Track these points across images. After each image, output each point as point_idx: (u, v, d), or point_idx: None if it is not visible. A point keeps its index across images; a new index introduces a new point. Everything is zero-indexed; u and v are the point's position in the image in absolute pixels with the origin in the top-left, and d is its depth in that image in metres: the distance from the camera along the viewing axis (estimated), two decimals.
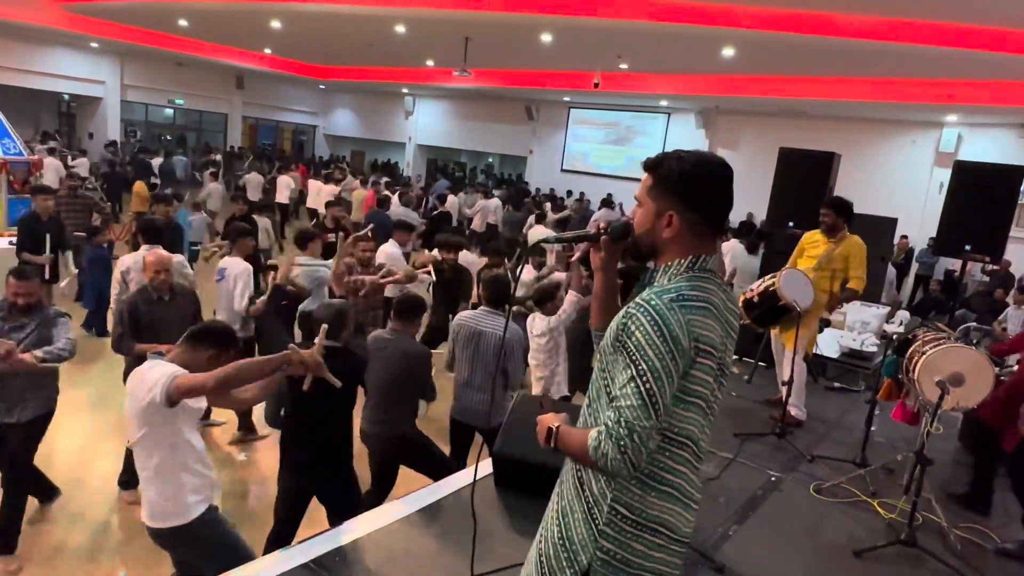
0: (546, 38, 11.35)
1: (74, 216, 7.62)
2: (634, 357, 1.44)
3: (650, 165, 1.63)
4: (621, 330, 1.49)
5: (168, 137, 23.21)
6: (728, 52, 10.68)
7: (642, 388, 1.42)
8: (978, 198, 5.43)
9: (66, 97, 20.72)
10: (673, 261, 1.58)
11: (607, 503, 1.55)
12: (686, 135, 17.30)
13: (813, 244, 4.80)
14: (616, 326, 1.51)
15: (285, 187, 14.18)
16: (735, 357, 6.25)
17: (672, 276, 1.57)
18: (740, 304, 4.58)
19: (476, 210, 14.09)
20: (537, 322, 4.53)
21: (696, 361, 1.48)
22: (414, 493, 3.46)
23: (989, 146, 13.29)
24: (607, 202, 16.25)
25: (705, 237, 1.59)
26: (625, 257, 1.77)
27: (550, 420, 1.66)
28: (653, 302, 1.46)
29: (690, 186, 1.56)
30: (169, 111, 23.14)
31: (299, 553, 2.85)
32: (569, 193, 18.40)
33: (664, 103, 17.10)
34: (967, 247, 5.48)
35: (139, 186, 11.85)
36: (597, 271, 1.77)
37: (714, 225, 1.60)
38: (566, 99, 19.05)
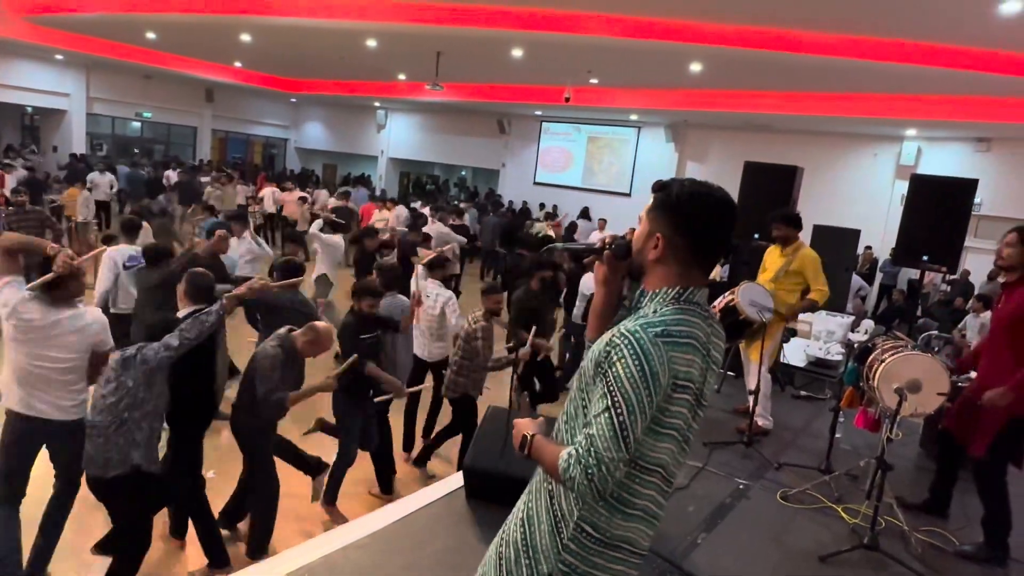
0: (517, 53, 11.46)
1: (25, 231, 7.24)
2: (611, 388, 1.46)
3: (656, 187, 1.65)
4: (603, 358, 1.50)
5: (136, 150, 22.87)
6: (696, 67, 10.89)
7: (615, 420, 1.44)
8: (934, 210, 5.60)
9: (29, 110, 20.32)
10: (660, 288, 1.59)
11: (573, 520, 1.58)
12: (656, 149, 17.54)
13: (772, 259, 4.93)
14: (599, 352, 1.52)
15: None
16: None
17: (659, 305, 1.57)
18: None
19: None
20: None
21: (673, 396, 1.51)
22: (384, 508, 3.45)
23: (947, 159, 13.70)
24: (584, 215, 16.44)
25: (692, 267, 1.59)
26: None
27: (526, 427, 1.68)
28: (638, 335, 1.47)
29: (681, 211, 1.57)
30: (137, 124, 22.79)
31: (267, 569, 2.83)
32: (555, 208, 18.36)
33: (634, 117, 17.32)
34: (924, 257, 5.64)
35: (73, 192, 12.15)
36: (598, 284, 1.80)
37: (703, 256, 1.60)
38: (537, 113, 19.20)
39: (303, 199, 14.85)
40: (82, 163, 16.82)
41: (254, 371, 3.72)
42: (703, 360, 1.55)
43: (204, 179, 15.93)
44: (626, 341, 1.47)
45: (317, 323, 3.98)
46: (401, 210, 13.65)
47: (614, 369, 1.46)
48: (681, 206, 1.57)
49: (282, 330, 3.91)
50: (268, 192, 15.49)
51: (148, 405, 3.26)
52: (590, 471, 1.43)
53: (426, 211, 14.23)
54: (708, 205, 1.57)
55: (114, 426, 3.18)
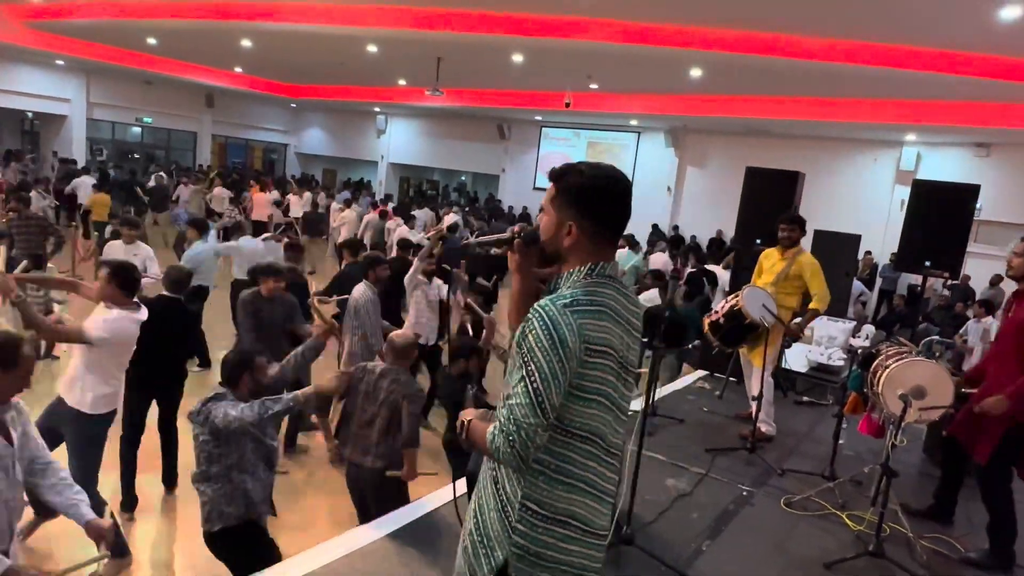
0: (517, 58, 11.48)
1: (26, 238, 7.23)
2: (526, 359, 1.54)
3: (554, 176, 1.70)
4: (520, 334, 1.59)
5: (136, 155, 22.89)
6: (696, 73, 10.92)
7: (530, 387, 1.51)
8: (936, 216, 5.60)
9: (30, 115, 20.33)
10: (574, 268, 1.66)
11: (518, 500, 1.61)
12: (656, 154, 17.57)
13: (769, 262, 4.93)
14: (520, 330, 1.61)
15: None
16: (705, 373, 6.40)
17: (572, 284, 1.64)
18: (706, 327, 4.67)
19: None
20: None
21: (589, 360, 1.56)
22: (388, 515, 3.43)
23: (947, 164, 13.73)
24: None
25: (603, 245, 1.67)
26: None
27: (467, 414, 1.75)
28: (547, 307, 1.55)
29: (587, 198, 1.65)
30: (137, 130, 22.82)
31: None
32: None
33: (634, 122, 17.36)
34: (927, 263, 5.64)
35: (102, 197, 12.29)
36: (514, 273, 1.85)
37: (611, 234, 1.68)
38: (538, 118, 19.24)
39: (277, 203, 14.98)
40: (73, 165, 16.91)
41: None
42: (621, 329, 1.62)
43: (194, 186, 15.99)
44: (536, 314, 1.55)
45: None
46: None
47: (527, 341, 1.55)
48: (585, 193, 1.65)
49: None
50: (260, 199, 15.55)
51: (229, 459, 3.07)
52: (511, 438, 1.51)
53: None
54: (607, 187, 1.66)
55: (204, 479, 3.07)
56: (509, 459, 1.53)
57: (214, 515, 3.04)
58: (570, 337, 1.52)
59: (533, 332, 1.53)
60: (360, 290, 5.29)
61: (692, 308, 6.74)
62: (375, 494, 3.53)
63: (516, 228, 1.80)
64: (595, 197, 1.65)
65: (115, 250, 6.43)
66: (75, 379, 3.60)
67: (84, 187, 13.68)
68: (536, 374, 1.51)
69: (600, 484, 1.66)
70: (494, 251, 1.89)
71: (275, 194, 15.62)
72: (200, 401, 3.05)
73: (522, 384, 1.53)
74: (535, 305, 1.58)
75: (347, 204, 14.18)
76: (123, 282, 3.65)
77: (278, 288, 4.98)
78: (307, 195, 16.53)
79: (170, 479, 4.67)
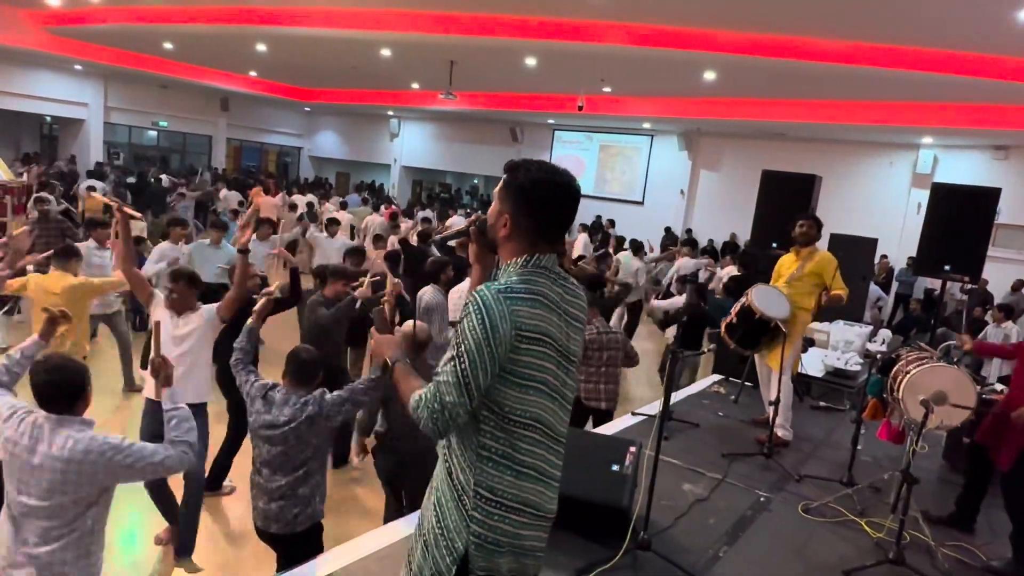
0: (530, 62, 11.49)
1: (46, 241, 7.36)
2: (458, 340, 1.60)
3: (507, 167, 1.75)
4: (459, 317, 1.65)
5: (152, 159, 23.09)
6: (709, 76, 10.87)
7: (458, 368, 1.58)
8: (956, 219, 5.55)
9: (48, 119, 20.57)
10: (511, 260, 1.71)
11: (471, 488, 1.66)
12: (669, 157, 17.50)
13: (785, 264, 4.89)
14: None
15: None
16: (720, 377, 6.36)
17: (509, 274, 1.69)
18: (723, 330, 4.63)
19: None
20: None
21: (521, 347, 1.60)
22: (403, 518, 3.43)
23: (964, 167, 13.58)
24: (596, 224, 16.56)
25: (538, 241, 1.70)
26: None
27: (394, 346, 1.88)
28: (482, 293, 1.60)
29: (526, 196, 1.68)
30: (153, 133, 23.04)
31: None
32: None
33: (647, 125, 17.30)
34: (946, 267, 5.58)
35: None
36: (472, 263, 1.92)
37: (548, 233, 1.71)
38: (550, 121, 19.23)
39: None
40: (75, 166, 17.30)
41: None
42: (557, 316, 1.66)
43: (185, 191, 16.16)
44: (472, 300, 1.61)
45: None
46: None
47: (460, 324, 1.61)
48: (525, 190, 1.68)
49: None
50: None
51: (323, 453, 3.17)
52: (435, 414, 1.59)
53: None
54: (550, 190, 1.69)
55: (305, 479, 3.07)
56: (429, 431, 1.61)
57: (303, 516, 3.05)
58: (501, 323, 1.56)
59: (468, 317, 1.59)
60: (431, 292, 5.48)
61: (730, 300, 6.70)
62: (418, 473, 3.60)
63: (473, 217, 1.87)
64: (534, 196, 1.68)
65: (164, 249, 6.68)
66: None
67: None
68: (465, 356, 1.57)
69: (548, 471, 1.71)
70: (452, 242, 1.96)
71: (279, 197, 15.76)
72: (300, 397, 3.00)
73: (451, 364, 1.59)
74: (473, 291, 1.64)
75: (342, 207, 14.36)
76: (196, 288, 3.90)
77: (344, 291, 5.08)
78: (280, 195, 16.51)
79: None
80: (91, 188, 13.04)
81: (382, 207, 14.97)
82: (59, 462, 2.14)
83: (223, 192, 15.86)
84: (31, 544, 2.18)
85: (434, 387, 1.61)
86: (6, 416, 2.28)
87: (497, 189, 1.76)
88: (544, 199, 1.68)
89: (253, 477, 3.13)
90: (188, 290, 3.82)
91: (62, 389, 2.22)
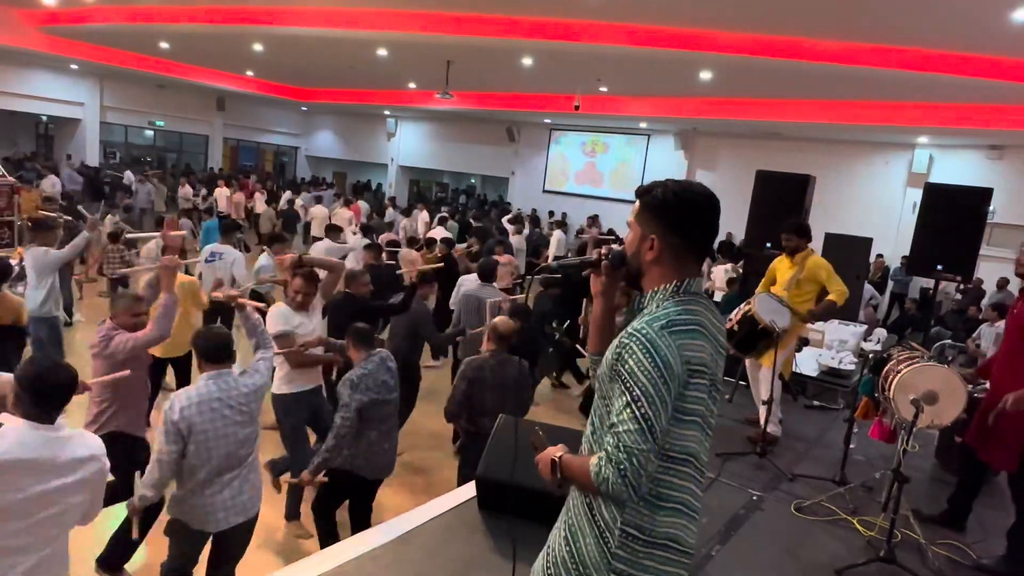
0: (527, 62, 11.49)
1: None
2: (628, 384, 1.50)
3: (640, 192, 1.70)
4: (616, 359, 1.55)
5: (148, 159, 23.07)
6: (705, 75, 10.89)
7: (637, 413, 1.47)
8: (948, 219, 5.57)
9: (44, 119, 20.54)
10: (659, 286, 1.64)
11: (618, 527, 1.59)
12: (665, 156, 17.52)
13: (781, 268, 4.90)
14: (611, 355, 1.57)
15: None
16: None
17: (660, 302, 1.62)
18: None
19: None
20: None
21: (690, 382, 1.54)
22: (397, 518, 3.44)
23: (959, 167, 13.61)
24: (594, 220, 16.56)
25: (687, 261, 1.65)
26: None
27: (553, 452, 1.72)
28: (644, 331, 1.52)
29: (671, 211, 1.63)
30: (149, 133, 23.01)
31: None
32: (564, 215, 18.36)
33: (643, 125, 17.32)
34: (939, 267, 5.60)
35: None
36: (597, 296, 1.83)
37: (696, 250, 1.66)
38: (547, 121, 19.23)
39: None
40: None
41: None
42: (712, 346, 1.59)
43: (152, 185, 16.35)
44: (635, 339, 1.52)
45: None
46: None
47: (627, 366, 1.51)
48: (669, 207, 1.63)
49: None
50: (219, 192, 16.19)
51: None
52: (622, 467, 1.46)
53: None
54: (693, 200, 1.64)
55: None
56: (620, 491, 1.48)
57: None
58: (672, 360, 1.49)
59: (634, 357, 1.50)
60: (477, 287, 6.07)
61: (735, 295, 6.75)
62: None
63: (604, 250, 1.79)
64: (679, 210, 1.63)
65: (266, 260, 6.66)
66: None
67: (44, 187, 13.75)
68: (643, 399, 1.48)
69: (693, 504, 1.64)
70: (583, 273, 1.86)
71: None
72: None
73: (628, 411, 1.48)
74: (629, 329, 1.55)
75: (317, 201, 14.57)
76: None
77: (369, 289, 5.27)
78: (240, 194, 16.51)
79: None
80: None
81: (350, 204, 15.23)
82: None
83: (218, 190, 16.10)
84: None
85: (614, 440, 1.49)
86: None
87: (633, 215, 1.70)
88: (689, 211, 1.63)
89: (369, 434, 3.77)
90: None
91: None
